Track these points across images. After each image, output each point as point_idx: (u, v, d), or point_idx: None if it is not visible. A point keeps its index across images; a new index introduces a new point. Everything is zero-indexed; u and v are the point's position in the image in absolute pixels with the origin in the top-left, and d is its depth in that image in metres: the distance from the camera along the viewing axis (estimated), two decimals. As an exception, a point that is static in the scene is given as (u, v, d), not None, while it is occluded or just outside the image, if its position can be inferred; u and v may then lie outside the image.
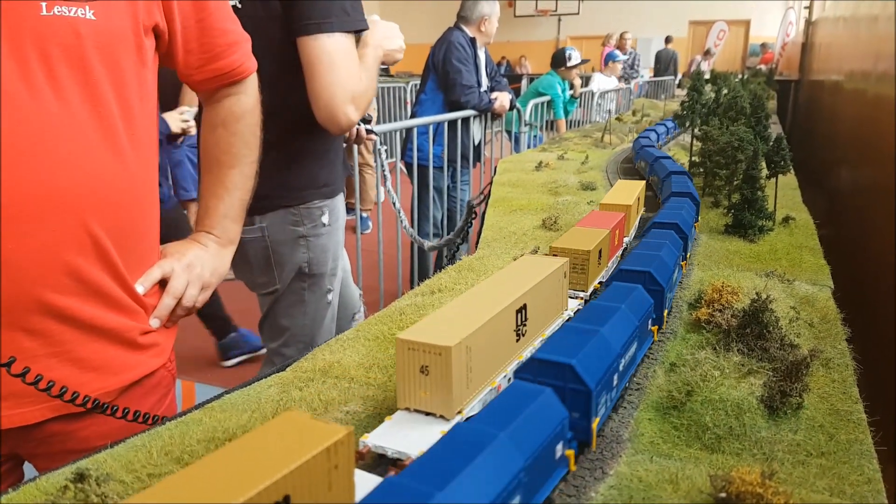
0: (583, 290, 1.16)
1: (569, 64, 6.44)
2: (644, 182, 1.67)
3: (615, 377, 0.79)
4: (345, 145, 2.39)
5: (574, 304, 1.12)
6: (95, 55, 1.19)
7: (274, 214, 1.96)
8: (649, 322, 0.97)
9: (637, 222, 1.60)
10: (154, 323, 1.31)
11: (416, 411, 0.77)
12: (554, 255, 1.14)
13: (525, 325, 0.92)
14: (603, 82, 8.38)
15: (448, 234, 4.39)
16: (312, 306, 2.16)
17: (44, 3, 1.13)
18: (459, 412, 0.75)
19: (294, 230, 2.02)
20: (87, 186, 1.19)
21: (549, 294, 1.00)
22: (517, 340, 0.91)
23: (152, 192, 1.36)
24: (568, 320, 0.98)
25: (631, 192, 1.58)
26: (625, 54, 9.70)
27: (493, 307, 0.85)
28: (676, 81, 11.47)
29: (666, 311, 1.07)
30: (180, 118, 3.49)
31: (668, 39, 15.30)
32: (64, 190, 1.16)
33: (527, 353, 0.91)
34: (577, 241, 1.19)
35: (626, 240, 1.46)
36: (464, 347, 0.75)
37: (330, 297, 2.18)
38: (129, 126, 1.27)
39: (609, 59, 9.07)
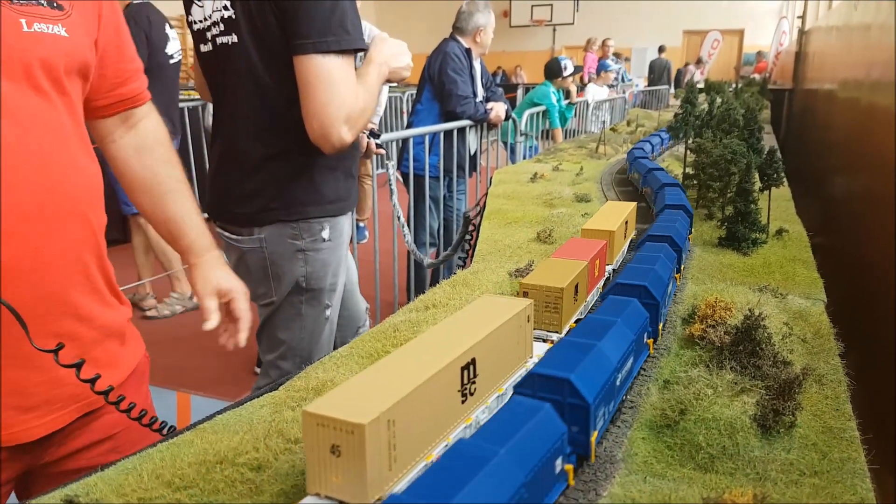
0: (556, 332, 1.06)
1: (564, 74, 6.46)
2: (635, 204, 1.59)
3: (613, 391, 0.80)
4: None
5: (544, 349, 0.98)
6: (68, 70, 1.25)
7: (273, 227, 1.95)
8: (645, 335, 0.98)
9: (625, 247, 1.54)
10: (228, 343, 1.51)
11: (328, 498, 0.65)
12: (524, 294, 1.05)
13: (474, 382, 0.79)
14: (597, 93, 8.35)
15: (444, 242, 4.39)
16: (310, 321, 2.15)
17: (23, 20, 1.17)
18: (379, 499, 0.64)
19: (293, 244, 2.01)
20: (87, 187, 1.28)
21: (508, 342, 0.87)
22: (463, 402, 0.77)
23: None
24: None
25: (618, 215, 1.49)
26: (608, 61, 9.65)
27: (430, 367, 0.72)
28: (671, 91, 11.51)
29: (661, 325, 1.08)
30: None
31: (661, 49, 15.37)
32: (73, 191, 1.24)
33: (477, 414, 0.79)
34: (551, 276, 1.09)
35: (609, 268, 1.39)
36: (383, 422, 0.63)
37: (328, 312, 2.16)
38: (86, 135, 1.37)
39: (601, 68, 9.07)
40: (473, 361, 0.78)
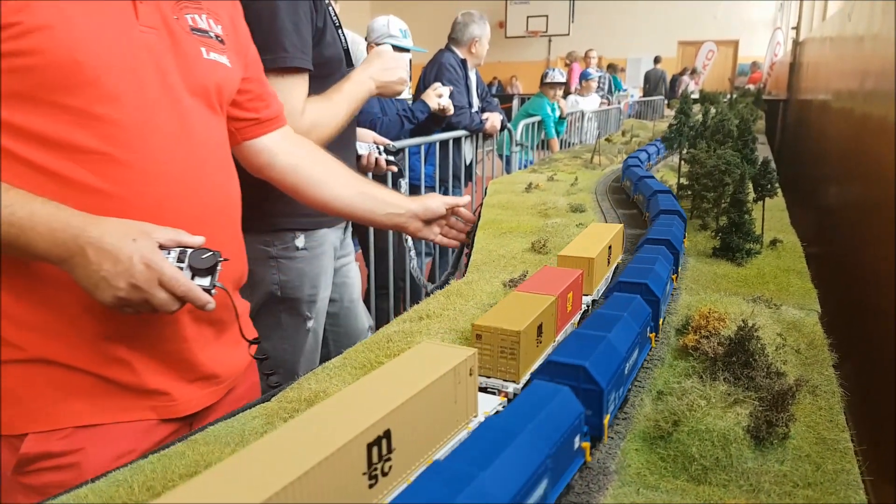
0: (514, 381, 0.94)
1: (545, 80, 6.52)
2: (621, 226, 1.48)
3: (622, 378, 0.87)
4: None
5: (494, 404, 0.90)
6: (228, 96, 1.44)
7: (247, 232, 1.99)
8: (648, 329, 1.04)
9: (609, 274, 1.42)
10: None
11: None
12: (477, 336, 0.94)
13: (389, 459, 0.66)
14: (582, 104, 8.25)
15: (439, 253, 4.39)
16: (291, 331, 2.15)
17: (203, 49, 1.34)
18: None
19: (264, 249, 2.06)
20: (237, 190, 1.46)
21: (442, 402, 0.75)
22: (372, 486, 0.64)
23: None
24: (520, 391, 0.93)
25: (601, 238, 1.38)
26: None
27: (323, 447, 0.58)
28: (665, 101, 11.55)
29: (661, 320, 1.13)
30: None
31: (657, 59, 15.45)
32: (235, 199, 1.44)
33: (392, 497, 0.60)
34: (509, 315, 0.97)
35: (587, 300, 1.27)
36: None
37: (310, 324, 2.15)
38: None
39: (582, 77, 9.05)
40: (388, 434, 0.65)
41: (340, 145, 2.29)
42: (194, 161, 1.31)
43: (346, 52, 2.13)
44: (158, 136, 1.25)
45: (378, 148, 2.53)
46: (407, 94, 2.30)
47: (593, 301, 1.29)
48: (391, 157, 2.53)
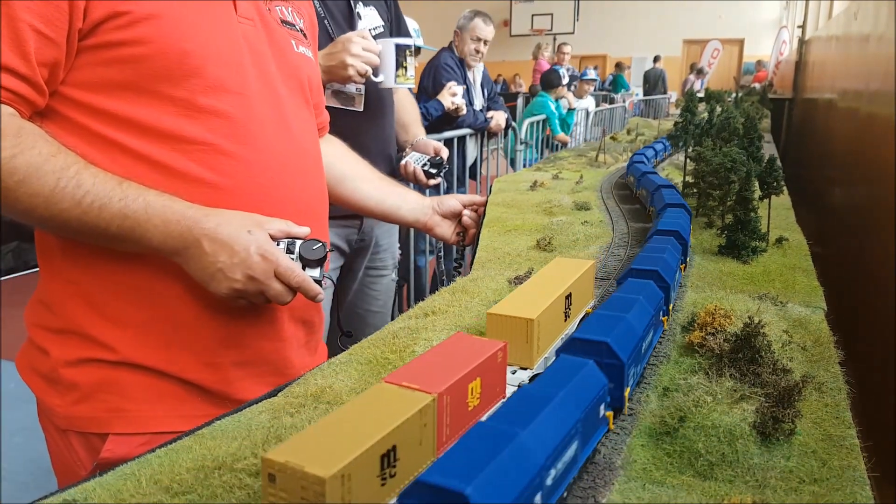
0: None
1: (554, 83, 6.54)
2: (593, 262, 1.19)
3: (640, 356, 0.92)
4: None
5: None
6: (315, 91, 1.44)
7: None
8: (661, 313, 1.07)
9: (571, 329, 1.09)
10: None
11: None
12: (269, 478, 0.58)
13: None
14: (578, 106, 8.09)
15: (441, 252, 4.39)
16: None
17: (293, 41, 1.34)
18: None
19: None
20: (326, 188, 1.46)
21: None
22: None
23: None
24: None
25: (557, 284, 1.06)
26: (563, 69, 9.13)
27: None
28: (670, 99, 11.53)
29: (671, 305, 1.18)
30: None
31: (656, 59, 15.47)
32: (324, 195, 1.44)
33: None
34: (337, 437, 0.60)
35: (524, 375, 0.94)
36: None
37: None
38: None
39: (581, 77, 8.97)
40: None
41: (369, 136, 2.30)
42: (294, 153, 1.31)
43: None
44: (261, 128, 1.24)
45: (421, 158, 2.48)
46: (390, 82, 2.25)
47: (533, 376, 0.93)
48: (433, 171, 2.44)
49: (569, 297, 1.08)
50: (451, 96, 3.96)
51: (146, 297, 1.19)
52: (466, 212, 1.88)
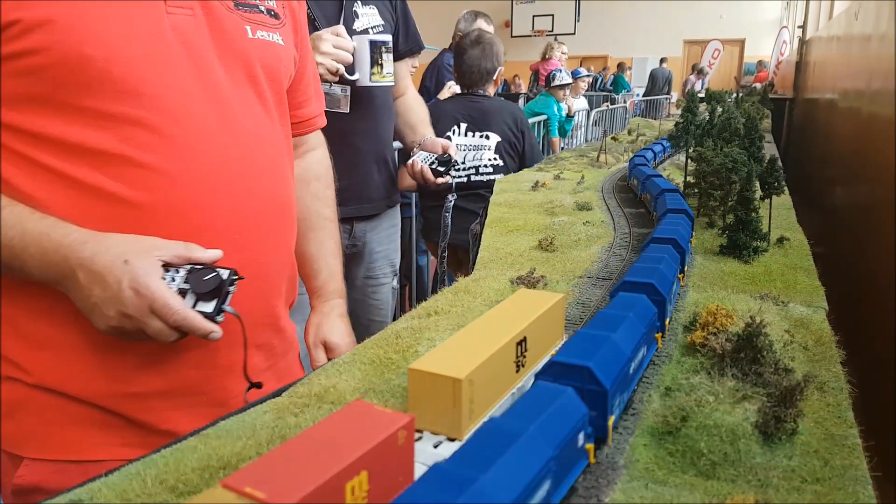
0: None
1: (553, 83, 6.52)
2: (562, 296, 1.03)
3: (627, 379, 0.85)
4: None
5: None
6: (283, 78, 1.30)
7: None
8: (654, 330, 1.01)
9: (527, 379, 0.91)
10: None
11: None
12: None
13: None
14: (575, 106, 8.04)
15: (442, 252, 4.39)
16: None
17: (248, 27, 1.20)
18: None
19: None
20: (291, 197, 1.34)
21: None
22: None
23: None
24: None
25: (511, 323, 0.89)
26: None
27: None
28: (671, 100, 11.54)
29: (667, 320, 1.11)
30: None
31: (662, 60, 15.53)
32: (285, 201, 1.30)
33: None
34: None
35: (450, 449, 0.75)
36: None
37: None
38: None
39: (574, 75, 8.90)
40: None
41: (360, 137, 2.29)
42: (235, 160, 1.16)
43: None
44: (191, 133, 1.11)
45: (429, 157, 2.46)
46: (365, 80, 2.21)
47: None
48: (441, 169, 2.42)
49: (522, 342, 0.89)
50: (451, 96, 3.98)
51: (61, 319, 1.09)
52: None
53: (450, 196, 3.14)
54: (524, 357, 0.90)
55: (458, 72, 3.59)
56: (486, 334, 0.85)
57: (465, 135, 3.43)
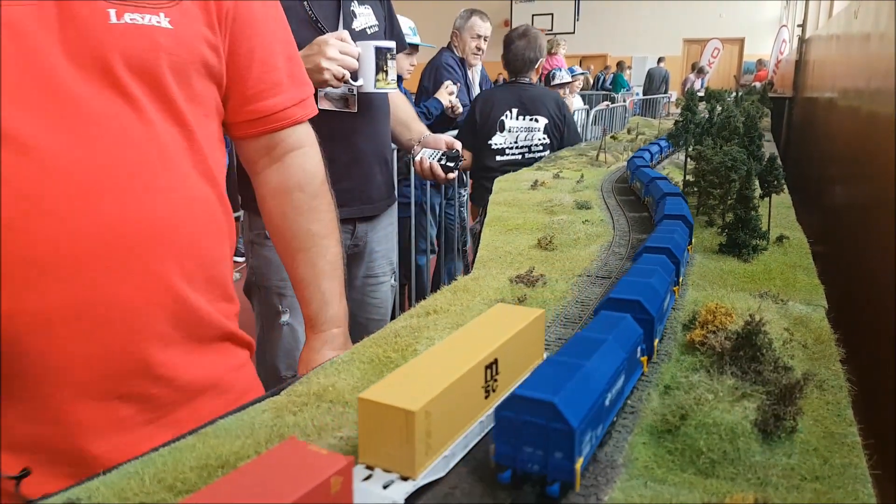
0: None
1: (553, 82, 6.55)
2: (542, 312, 0.94)
3: (601, 413, 0.75)
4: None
5: None
6: (176, 69, 1.08)
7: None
8: (638, 352, 0.93)
9: (490, 412, 0.81)
10: None
11: None
12: None
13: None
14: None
15: (444, 251, 4.40)
16: (267, 323, 2.20)
17: (112, 11, 1.00)
18: None
19: (248, 232, 2.10)
20: (188, 215, 1.11)
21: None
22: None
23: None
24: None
25: (481, 344, 0.80)
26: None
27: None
28: (671, 99, 11.53)
29: (657, 340, 1.03)
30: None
31: (660, 59, 15.57)
32: (161, 218, 1.06)
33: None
34: None
35: (401, 492, 0.65)
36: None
37: (284, 318, 2.16)
38: (214, 150, 1.20)
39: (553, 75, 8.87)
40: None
41: (362, 137, 2.29)
42: (82, 174, 0.97)
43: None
44: (18, 143, 0.93)
45: (435, 153, 2.45)
46: (381, 87, 2.19)
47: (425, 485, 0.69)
48: (450, 164, 2.42)
49: (493, 365, 0.80)
50: (449, 94, 3.98)
51: None
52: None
53: (462, 191, 3.18)
54: (495, 381, 0.81)
55: (505, 60, 4.07)
56: (451, 357, 0.76)
57: (517, 118, 3.92)
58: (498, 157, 3.85)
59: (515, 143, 3.91)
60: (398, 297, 3.62)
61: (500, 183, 2.63)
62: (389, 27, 2.48)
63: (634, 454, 0.81)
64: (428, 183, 3.89)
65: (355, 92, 2.22)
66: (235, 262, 2.73)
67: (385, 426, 0.66)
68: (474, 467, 0.74)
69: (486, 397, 0.80)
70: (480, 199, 3.99)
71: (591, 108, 7.99)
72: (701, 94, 4.83)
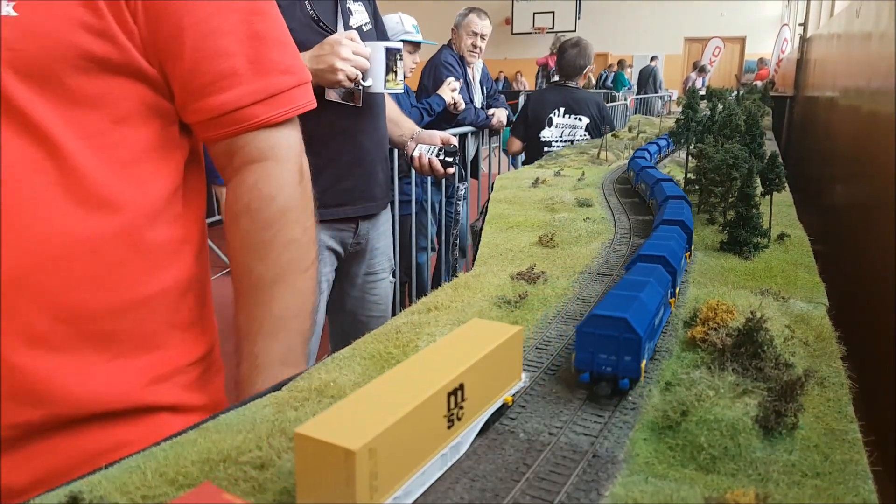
0: None
1: (551, 80, 6.58)
2: (519, 329, 0.84)
3: (653, 331, 1.00)
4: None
5: None
6: (16, 70, 0.85)
7: None
8: (669, 294, 1.15)
9: (476, 428, 0.76)
10: None
11: None
12: None
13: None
14: None
15: (442, 247, 4.40)
16: None
17: None
18: None
19: None
20: (46, 259, 0.88)
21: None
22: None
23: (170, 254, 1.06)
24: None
25: (447, 366, 0.71)
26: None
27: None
28: (672, 97, 11.51)
29: (678, 289, 1.26)
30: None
31: (652, 58, 15.60)
32: (11, 265, 0.86)
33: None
34: None
35: None
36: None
37: None
38: (134, 167, 0.98)
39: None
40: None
41: (366, 135, 2.29)
42: None
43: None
44: None
45: (432, 149, 2.45)
46: (387, 87, 2.18)
47: None
48: (448, 159, 2.41)
49: (457, 391, 0.71)
50: (451, 91, 3.99)
51: None
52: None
53: (460, 185, 3.20)
54: (461, 409, 0.72)
55: (559, 65, 4.82)
56: (409, 383, 0.67)
57: (564, 116, 4.62)
58: (545, 149, 4.51)
59: (560, 136, 4.60)
60: (399, 295, 3.62)
61: (502, 181, 2.63)
62: (375, 27, 2.48)
63: (635, 450, 0.81)
64: (428, 181, 3.89)
65: (361, 88, 2.22)
66: None
67: (324, 466, 0.57)
68: (554, 374, 0.99)
69: (450, 427, 0.70)
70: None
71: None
72: (702, 92, 4.83)
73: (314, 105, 1.21)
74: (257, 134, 1.10)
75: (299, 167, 1.18)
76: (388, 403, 0.63)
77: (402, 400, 0.64)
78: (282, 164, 1.14)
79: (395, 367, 0.71)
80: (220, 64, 1.03)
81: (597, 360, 0.88)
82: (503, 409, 0.84)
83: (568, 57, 4.68)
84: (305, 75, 1.19)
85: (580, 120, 4.63)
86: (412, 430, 0.63)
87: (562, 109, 4.63)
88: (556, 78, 5.01)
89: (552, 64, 10.14)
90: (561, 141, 4.61)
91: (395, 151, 2.88)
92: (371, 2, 2.45)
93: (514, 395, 0.87)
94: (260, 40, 1.08)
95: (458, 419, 0.72)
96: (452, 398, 0.70)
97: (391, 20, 4.01)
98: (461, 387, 0.71)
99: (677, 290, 1.20)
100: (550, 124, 4.62)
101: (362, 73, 2.10)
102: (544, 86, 8.31)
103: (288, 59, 1.15)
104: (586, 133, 4.63)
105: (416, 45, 4.18)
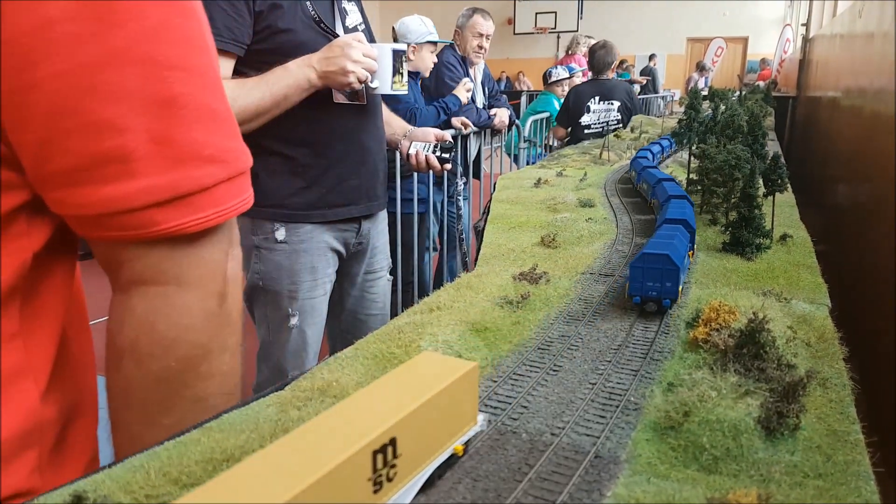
0: None
1: (550, 80, 6.59)
2: (474, 365, 0.69)
3: (684, 268, 1.25)
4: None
5: None
6: None
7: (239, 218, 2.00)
8: (689, 247, 1.39)
9: (417, 484, 0.64)
10: None
11: None
12: None
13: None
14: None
15: (444, 247, 4.40)
16: (274, 326, 2.17)
17: None
18: None
19: (250, 237, 2.07)
20: None
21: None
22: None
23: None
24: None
25: (379, 414, 0.58)
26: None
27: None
28: (674, 97, 11.48)
29: (694, 247, 1.52)
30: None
31: (651, 57, 15.58)
32: None
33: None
34: None
35: None
36: None
37: (293, 322, 2.14)
38: None
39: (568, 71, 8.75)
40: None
41: (368, 134, 2.29)
42: None
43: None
44: None
45: (427, 146, 2.46)
46: (392, 89, 2.18)
47: None
48: (445, 156, 2.43)
49: (387, 447, 0.57)
50: (466, 91, 4.03)
51: None
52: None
53: (459, 181, 3.20)
54: (392, 468, 0.58)
55: (590, 63, 5.82)
56: (325, 440, 0.54)
57: (599, 103, 5.52)
58: (586, 131, 5.41)
59: (598, 120, 5.50)
60: (402, 294, 3.62)
61: (503, 181, 2.63)
62: (368, 25, 2.48)
63: (638, 450, 0.81)
64: (430, 182, 3.90)
65: (368, 90, 2.23)
66: None
67: None
68: (612, 301, 1.30)
69: (377, 491, 0.57)
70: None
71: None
72: (704, 92, 4.83)
73: (250, 204, 0.93)
74: (154, 247, 0.78)
75: (218, 292, 0.86)
76: (294, 466, 0.50)
77: (311, 463, 0.50)
78: (191, 290, 0.83)
79: (314, 419, 0.58)
80: (102, 141, 0.71)
81: (645, 287, 1.19)
82: (452, 460, 0.69)
83: (598, 56, 5.69)
84: (241, 162, 0.87)
85: (612, 104, 5.52)
86: (323, 499, 0.49)
87: (597, 98, 5.51)
88: (591, 75, 5.90)
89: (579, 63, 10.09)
90: (598, 123, 5.48)
91: (396, 151, 2.89)
92: (359, 2, 2.45)
93: (465, 443, 0.72)
94: (175, 109, 0.75)
95: (389, 480, 0.58)
96: (380, 456, 0.56)
97: (413, 22, 4.04)
98: (392, 442, 0.58)
99: (680, 289, 1.21)
100: (588, 111, 5.51)
101: (370, 75, 2.11)
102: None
103: (217, 138, 0.82)
104: (619, 114, 5.51)
105: (436, 45, 4.21)
